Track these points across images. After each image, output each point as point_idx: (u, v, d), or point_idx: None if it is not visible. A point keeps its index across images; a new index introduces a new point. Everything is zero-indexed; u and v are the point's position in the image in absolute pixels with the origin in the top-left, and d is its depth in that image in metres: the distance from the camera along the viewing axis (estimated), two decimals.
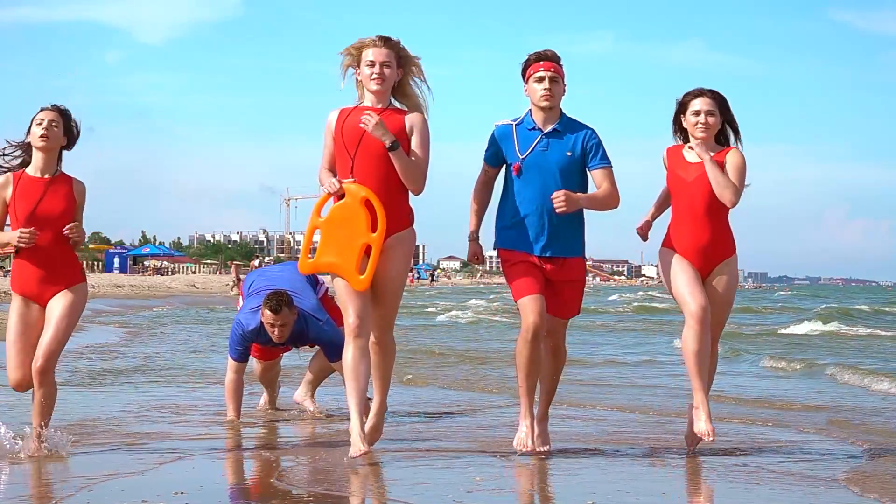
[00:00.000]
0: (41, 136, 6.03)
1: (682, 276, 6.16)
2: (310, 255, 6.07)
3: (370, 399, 6.24)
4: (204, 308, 32.62)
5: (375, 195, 5.82)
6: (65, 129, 6.13)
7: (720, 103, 6.21)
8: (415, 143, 5.93)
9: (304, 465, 6.09)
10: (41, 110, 6.11)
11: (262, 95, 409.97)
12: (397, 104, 6.06)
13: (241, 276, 49.17)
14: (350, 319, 5.90)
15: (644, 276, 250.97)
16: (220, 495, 5.16)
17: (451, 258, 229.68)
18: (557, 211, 6.00)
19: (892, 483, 5.65)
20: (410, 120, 5.96)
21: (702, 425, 6.07)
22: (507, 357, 14.00)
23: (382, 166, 5.86)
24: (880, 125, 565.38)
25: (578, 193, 6.09)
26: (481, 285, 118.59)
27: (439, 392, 10.39)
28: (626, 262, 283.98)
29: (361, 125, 5.80)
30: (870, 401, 9.92)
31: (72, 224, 5.98)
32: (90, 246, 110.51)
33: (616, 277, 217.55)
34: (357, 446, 5.80)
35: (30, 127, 6.11)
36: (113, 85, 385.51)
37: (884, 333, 23.33)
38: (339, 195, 5.89)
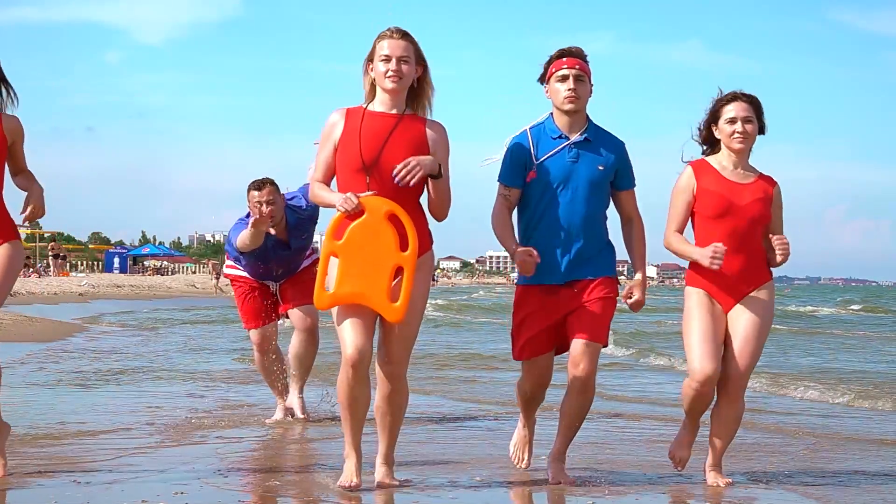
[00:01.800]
0: None
1: (698, 333, 5.44)
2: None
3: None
4: (203, 308, 32.62)
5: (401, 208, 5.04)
6: None
7: (757, 108, 5.52)
8: (440, 161, 5.11)
9: (302, 466, 6.08)
10: None
11: (262, 95, 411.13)
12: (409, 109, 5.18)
13: (221, 275, 49.51)
14: (349, 351, 5.01)
15: None
16: (221, 495, 5.14)
17: (451, 258, 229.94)
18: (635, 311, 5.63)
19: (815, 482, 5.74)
20: (434, 132, 5.14)
21: (680, 451, 5.64)
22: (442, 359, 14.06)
23: (405, 185, 5.03)
24: (880, 125, 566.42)
25: (640, 276, 5.69)
26: (481, 285, 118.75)
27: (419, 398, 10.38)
28: (626, 262, 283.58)
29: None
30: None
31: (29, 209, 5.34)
32: (90, 246, 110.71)
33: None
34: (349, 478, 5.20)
35: None
36: (113, 85, 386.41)
37: (814, 330, 24.94)
38: (357, 214, 5.00)
